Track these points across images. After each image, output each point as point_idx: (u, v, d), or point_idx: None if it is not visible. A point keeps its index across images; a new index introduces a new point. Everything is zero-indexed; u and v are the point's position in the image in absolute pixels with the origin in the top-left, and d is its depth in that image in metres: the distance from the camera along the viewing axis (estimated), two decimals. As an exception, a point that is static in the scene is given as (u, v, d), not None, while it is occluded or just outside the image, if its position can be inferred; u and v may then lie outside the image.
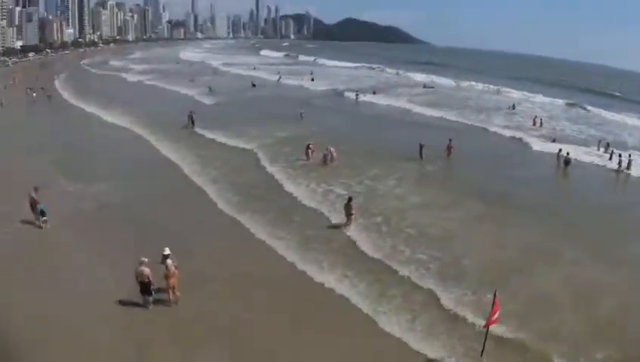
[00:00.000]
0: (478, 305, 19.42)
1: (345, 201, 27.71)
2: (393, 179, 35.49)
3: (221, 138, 47.21)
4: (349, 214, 27.04)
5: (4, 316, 19.23)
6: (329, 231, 26.66)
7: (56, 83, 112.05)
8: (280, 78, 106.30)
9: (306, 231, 26.50)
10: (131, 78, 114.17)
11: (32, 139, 53.49)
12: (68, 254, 24.88)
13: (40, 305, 20.00)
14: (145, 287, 19.19)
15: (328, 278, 21.46)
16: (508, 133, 55.84)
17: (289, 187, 33.71)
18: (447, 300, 20.05)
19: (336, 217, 28.15)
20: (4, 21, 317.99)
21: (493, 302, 15.98)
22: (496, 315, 16.11)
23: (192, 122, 52.31)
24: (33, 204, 28.35)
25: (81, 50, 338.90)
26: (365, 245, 24.89)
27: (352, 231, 26.36)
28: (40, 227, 27.83)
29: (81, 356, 17.02)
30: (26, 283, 22.03)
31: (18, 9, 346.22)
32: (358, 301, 19.91)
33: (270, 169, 37.78)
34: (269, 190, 33.39)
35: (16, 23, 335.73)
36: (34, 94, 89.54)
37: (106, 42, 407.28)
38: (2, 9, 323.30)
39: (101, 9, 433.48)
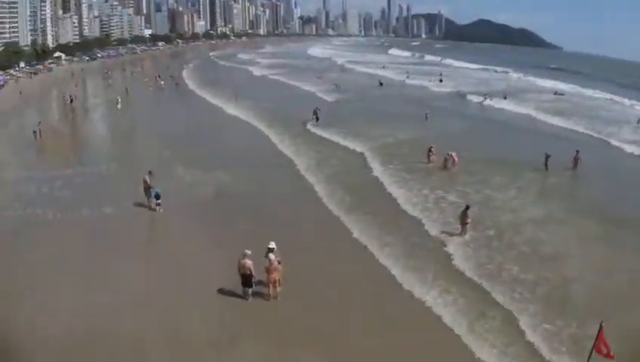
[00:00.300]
0: (579, 339, 17.88)
1: (461, 209, 26.73)
2: (513, 189, 33.85)
3: (341, 136, 47.38)
4: (463, 223, 26.08)
5: (111, 292, 20.40)
6: (435, 241, 25.68)
7: (184, 73, 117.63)
8: (408, 77, 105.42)
9: (410, 239, 25.75)
10: (257, 71, 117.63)
11: (153, 126, 56.47)
12: (177, 238, 26.05)
13: (142, 284, 21.11)
14: (246, 280, 19.52)
15: (426, 292, 20.53)
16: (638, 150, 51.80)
17: (402, 190, 33.02)
18: (547, 331, 18.45)
19: (445, 226, 27.21)
20: (132, 9, 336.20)
21: (598, 334, 14.58)
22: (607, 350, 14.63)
23: (317, 118, 52.90)
24: (146, 188, 30.05)
25: (213, 42, 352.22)
26: (472, 260, 23.61)
27: (461, 243, 25.26)
28: (153, 210, 29.49)
29: (175, 340, 17.58)
30: (132, 261, 23.33)
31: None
32: (453, 320, 18.86)
33: (385, 170, 37.35)
34: (380, 192, 33.01)
35: (144, 12, 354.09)
36: (162, 82, 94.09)
37: (238, 35, 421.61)
38: None
39: (233, 2, 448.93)
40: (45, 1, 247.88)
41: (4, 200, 35.94)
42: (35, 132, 52.13)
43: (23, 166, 44.48)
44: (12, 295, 20.79)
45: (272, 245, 20.23)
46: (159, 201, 29.33)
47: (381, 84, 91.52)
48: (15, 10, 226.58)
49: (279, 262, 19.64)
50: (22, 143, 52.48)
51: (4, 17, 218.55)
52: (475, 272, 22.29)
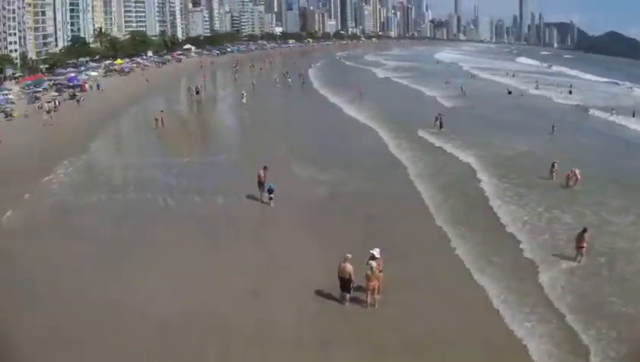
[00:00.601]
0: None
1: (578, 231, 24.98)
2: (633, 215, 30.89)
3: (459, 144, 45.76)
4: (579, 247, 24.50)
5: (212, 279, 21.17)
6: (541, 264, 23.62)
7: (310, 71, 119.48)
8: (536, 87, 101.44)
9: (515, 260, 24.05)
10: (381, 73, 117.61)
11: (273, 121, 57.64)
12: (283, 234, 26.55)
13: (243, 275, 21.72)
14: (345, 284, 19.35)
15: (522, 320, 19.18)
16: None
17: (514, 207, 31.11)
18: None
19: (555, 250, 25.28)
20: (262, 7, 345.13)
21: None
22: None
23: (441, 125, 51.59)
24: (261, 182, 30.72)
25: (343, 42, 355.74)
26: (577, 289, 21.51)
27: (568, 269, 23.21)
28: (265, 203, 30.23)
29: (267, 335, 17.79)
30: (236, 252, 24.16)
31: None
32: (540, 357, 17.57)
33: (501, 183, 35.48)
34: (491, 207, 31.16)
35: (275, 9, 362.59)
36: (289, 80, 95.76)
37: (368, 37, 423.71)
38: None
39: (364, 4, 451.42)
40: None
41: (119, 183, 38.07)
42: (156, 120, 54.60)
43: (142, 152, 46.81)
44: (121, 277, 22.17)
45: (376, 253, 19.73)
46: (271, 196, 29.95)
47: (509, 92, 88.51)
48: (141, 0, 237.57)
49: (380, 271, 19.30)
50: (143, 130, 55.14)
51: (130, 6, 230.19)
52: (578, 303, 20.41)
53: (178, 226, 28.14)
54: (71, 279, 22.24)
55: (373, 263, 19.29)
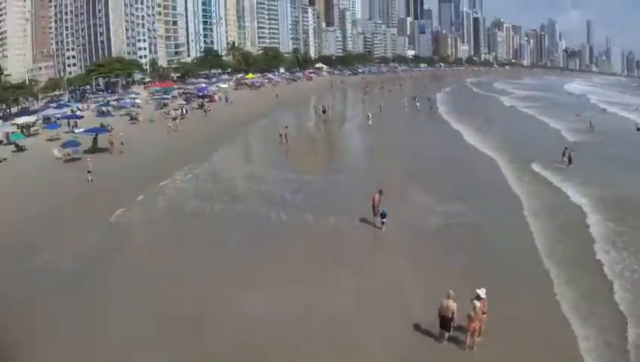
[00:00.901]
0: None
1: None
2: None
3: (581, 182, 41.60)
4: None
5: (308, 298, 21.01)
6: (630, 318, 20.90)
7: (438, 95, 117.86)
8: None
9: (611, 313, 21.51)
10: (507, 102, 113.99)
11: (396, 145, 56.94)
12: (391, 260, 25.95)
13: (342, 298, 21.51)
14: (445, 322, 18.36)
15: None
16: None
17: (624, 253, 28.33)
18: None
19: None
20: (395, 29, 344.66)
21: None
22: None
23: (570, 161, 48.26)
24: (375, 205, 30.10)
25: (475, 68, 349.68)
26: None
27: None
28: (377, 228, 29.61)
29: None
30: (339, 274, 23.92)
31: (409, 19, 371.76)
32: None
33: (616, 228, 31.95)
34: (602, 252, 27.63)
35: (408, 32, 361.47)
36: (417, 103, 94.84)
37: (501, 64, 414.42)
38: (392, 17, 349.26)
39: (497, 30, 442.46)
40: (307, 13, 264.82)
41: (234, 193, 38.85)
42: (280, 135, 55.52)
43: (262, 165, 47.61)
44: (215, 286, 22.81)
45: (482, 293, 18.55)
46: (384, 220, 29.34)
47: (638, 129, 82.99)
48: (275, 16, 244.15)
49: (484, 312, 18.24)
50: (266, 144, 56.15)
51: (264, 22, 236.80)
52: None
53: (287, 242, 28.44)
54: (161, 282, 23.22)
55: (478, 303, 18.21)
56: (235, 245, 28.23)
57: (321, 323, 19.58)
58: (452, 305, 18.22)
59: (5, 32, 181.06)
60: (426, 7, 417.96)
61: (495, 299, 19.55)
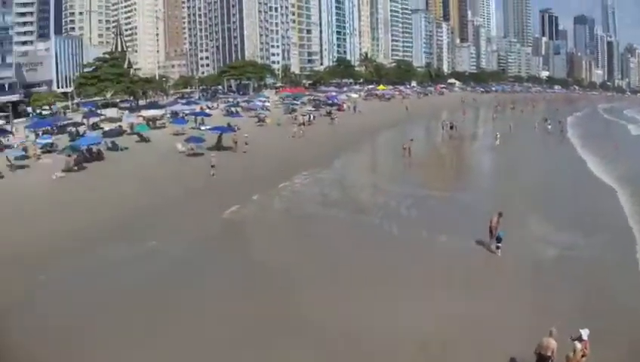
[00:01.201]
0: None
1: None
2: None
3: None
4: None
5: (392, 317, 20.74)
6: None
7: (569, 119, 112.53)
8: None
9: None
10: (635, 130, 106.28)
11: (522, 167, 54.67)
12: (498, 286, 24.97)
13: (438, 323, 20.72)
14: (542, 361, 17.38)
15: None
16: None
17: None
18: None
19: None
20: (530, 48, 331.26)
21: None
22: None
23: None
24: (492, 228, 28.73)
25: (609, 93, 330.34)
26: None
27: None
28: (492, 251, 28.42)
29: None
30: (442, 295, 23.14)
31: (544, 39, 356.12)
32: None
33: None
34: None
35: (542, 53, 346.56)
36: (549, 126, 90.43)
37: (634, 91, 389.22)
38: (527, 36, 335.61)
39: (629, 56, 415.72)
40: (442, 29, 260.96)
41: (349, 201, 38.76)
42: (404, 148, 55.00)
43: (382, 177, 47.29)
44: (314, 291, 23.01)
45: (584, 334, 17.17)
46: (499, 245, 28.15)
47: None
48: (409, 30, 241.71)
49: (584, 355, 17.01)
50: (389, 156, 55.75)
51: (398, 35, 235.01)
52: None
53: (395, 255, 28.04)
54: (260, 279, 23.89)
55: (579, 345, 17.03)
56: (342, 252, 28.27)
57: (415, 343, 19.16)
58: (553, 343, 17.19)
59: (136, 27, 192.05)
60: (561, 27, 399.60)
61: (596, 341, 17.97)
